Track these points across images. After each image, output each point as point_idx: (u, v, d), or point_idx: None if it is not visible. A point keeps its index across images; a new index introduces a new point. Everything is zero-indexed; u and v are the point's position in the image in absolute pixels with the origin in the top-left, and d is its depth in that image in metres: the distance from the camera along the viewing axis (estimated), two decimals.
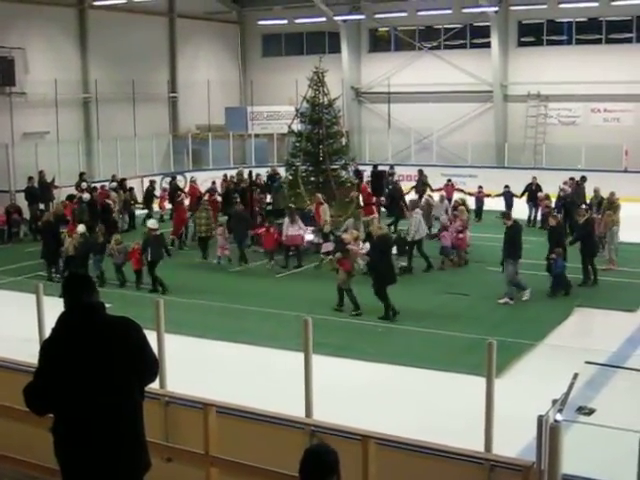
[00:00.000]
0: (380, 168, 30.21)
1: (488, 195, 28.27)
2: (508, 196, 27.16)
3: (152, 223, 19.86)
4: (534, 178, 27.52)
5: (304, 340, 6.91)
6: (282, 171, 27.54)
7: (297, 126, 25.38)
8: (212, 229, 22.58)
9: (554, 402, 5.58)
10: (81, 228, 20.35)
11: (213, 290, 18.87)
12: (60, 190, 28.42)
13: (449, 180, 29.90)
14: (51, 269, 20.28)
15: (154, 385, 5.85)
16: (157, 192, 29.95)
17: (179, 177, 32.45)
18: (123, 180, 29.45)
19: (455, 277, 19.86)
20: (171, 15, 40.03)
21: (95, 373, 4.91)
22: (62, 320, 5.06)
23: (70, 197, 26.16)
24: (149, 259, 18.92)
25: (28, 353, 8.50)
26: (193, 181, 30.11)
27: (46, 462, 7.46)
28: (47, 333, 8.15)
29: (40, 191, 27.51)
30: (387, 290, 16.20)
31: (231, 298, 17.90)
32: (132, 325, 5.10)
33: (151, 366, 5.24)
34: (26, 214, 26.97)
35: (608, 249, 20.51)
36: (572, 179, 27.16)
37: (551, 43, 37.72)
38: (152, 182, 30.06)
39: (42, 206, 27.08)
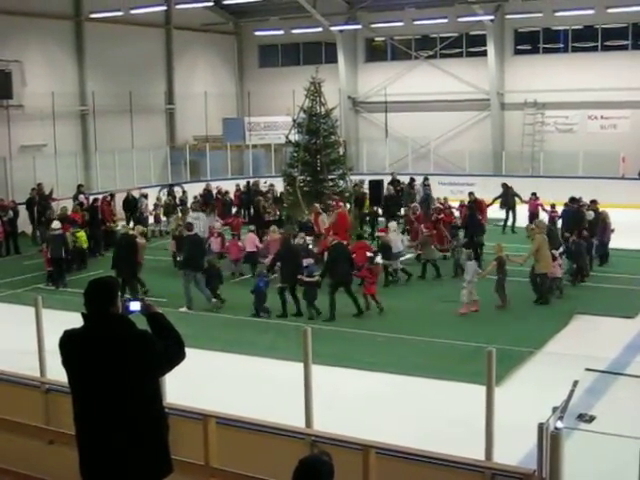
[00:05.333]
0: (378, 178, 30.01)
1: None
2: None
3: (55, 224, 21.30)
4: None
5: (303, 350, 6.88)
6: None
7: (294, 136, 25.36)
8: None
9: (554, 410, 5.57)
10: (55, 224, 21.59)
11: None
12: (58, 202, 28.39)
13: (534, 193, 26.68)
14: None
15: None
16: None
17: (176, 188, 32.43)
18: (172, 186, 30.99)
19: (450, 286, 19.59)
20: (168, 27, 40.08)
21: (100, 380, 5.01)
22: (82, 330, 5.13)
23: (80, 204, 26.48)
24: (49, 256, 20.54)
25: (27, 366, 8.51)
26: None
27: (45, 475, 7.45)
28: (46, 346, 8.21)
29: (39, 203, 27.52)
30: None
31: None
32: (149, 340, 5.13)
33: (165, 364, 5.25)
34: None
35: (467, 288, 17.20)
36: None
37: (547, 51, 37.83)
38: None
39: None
